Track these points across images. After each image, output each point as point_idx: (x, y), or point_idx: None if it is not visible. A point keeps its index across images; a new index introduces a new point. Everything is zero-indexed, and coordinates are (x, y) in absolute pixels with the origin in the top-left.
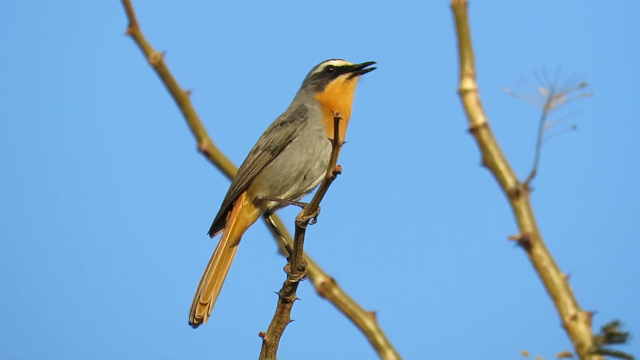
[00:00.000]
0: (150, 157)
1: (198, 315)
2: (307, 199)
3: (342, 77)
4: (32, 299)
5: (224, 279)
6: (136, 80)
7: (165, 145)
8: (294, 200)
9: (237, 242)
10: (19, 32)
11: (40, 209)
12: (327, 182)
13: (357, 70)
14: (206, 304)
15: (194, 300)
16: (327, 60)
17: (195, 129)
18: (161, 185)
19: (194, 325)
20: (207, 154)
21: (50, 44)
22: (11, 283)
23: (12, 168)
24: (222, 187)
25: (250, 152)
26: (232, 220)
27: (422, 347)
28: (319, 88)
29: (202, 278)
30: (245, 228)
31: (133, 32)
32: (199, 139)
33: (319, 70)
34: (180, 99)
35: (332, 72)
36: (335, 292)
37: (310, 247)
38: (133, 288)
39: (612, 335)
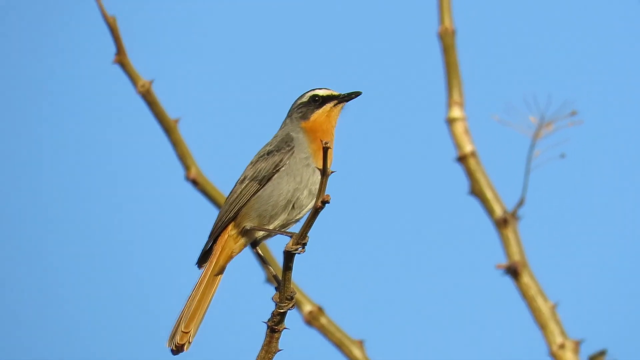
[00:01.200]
0: (137, 185)
1: (179, 343)
2: (296, 228)
3: (328, 106)
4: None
5: (207, 307)
6: (124, 108)
7: (153, 174)
8: (282, 230)
9: (221, 271)
10: (6, 60)
11: (28, 235)
12: (315, 211)
13: (343, 99)
14: (188, 332)
15: (175, 326)
16: (313, 90)
17: (183, 158)
18: (148, 214)
19: (174, 352)
20: (195, 183)
21: (37, 72)
22: None
23: None
24: (210, 215)
25: (237, 182)
26: (218, 249)
27: None
28: (305, 117)
29: (185, 306)
30: (231, 258)
31: (121, 60)
32: (186, 167)
33: (305, 99)
34: (168, 127)
35: (317, 102)
36: (323, 320)
37: (298, 275)
38: (118, 317)
39: None
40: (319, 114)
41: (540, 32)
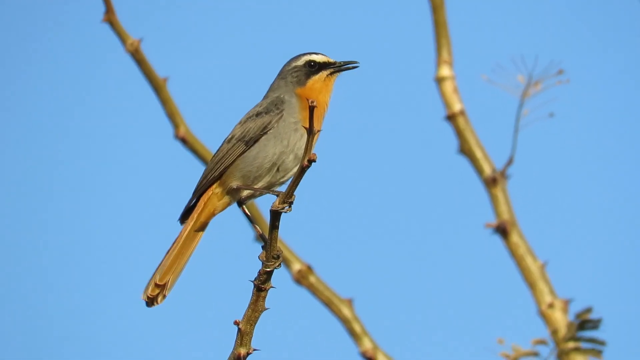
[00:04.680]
0: (126, 144)
1: (151, 295)
2: (283, 188)
3: (324, 73)
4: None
5: (185, 263)
6: (113, 67)
7: (142, 132)
8: (268, 189)
9: (203, 227)
10: None
11: (15, 193)
12: (301, 170)
13: (339, 68)
14: (163, 285)
15: (150, 279)
16: (309, 54)
17: (172, 116)
18: (137, 172)
19: (147, 304)
20: (184, 141)
21: (25, 30)
22: None
23: None
24: (198, 174)
25: (224, 141)
26: (200, 205)
27: (399, 334)
28: (300, 82)
29: (163, 259)
30: (213, 215)
31: (110, 18)
32: (175, 126)
33: (300, 63)
34: (157, 86)
35: (314, 67)
36: (312, 279)
37: (287, 234)
38: (101, 273)
39: (585, 322)
40: (315, 81)
41: None
